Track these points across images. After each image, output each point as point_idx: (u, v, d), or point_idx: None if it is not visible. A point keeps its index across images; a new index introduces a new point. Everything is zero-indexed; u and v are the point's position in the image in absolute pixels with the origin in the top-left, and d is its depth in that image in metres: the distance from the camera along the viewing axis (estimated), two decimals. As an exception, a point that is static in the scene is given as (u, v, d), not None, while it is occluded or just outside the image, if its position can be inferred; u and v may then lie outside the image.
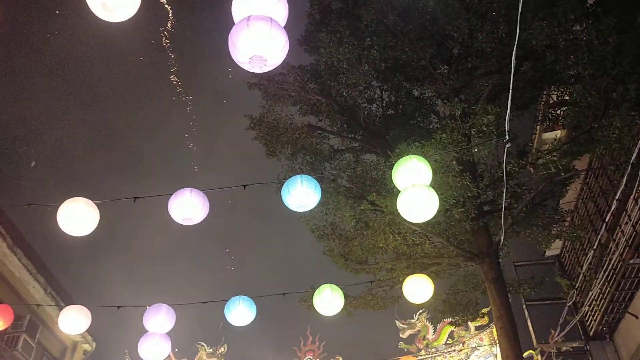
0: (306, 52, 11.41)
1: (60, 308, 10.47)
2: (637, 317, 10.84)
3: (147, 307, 8.70)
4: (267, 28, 4.61)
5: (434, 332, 19.92)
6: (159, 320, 8.47)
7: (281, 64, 11.30)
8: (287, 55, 4.97)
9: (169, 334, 8.74)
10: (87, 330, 12.79)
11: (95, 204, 7.12)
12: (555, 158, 9.01)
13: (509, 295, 10.16)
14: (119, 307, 9.47)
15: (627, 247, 9.87)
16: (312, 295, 8.76)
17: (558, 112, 10.27)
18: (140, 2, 4.82)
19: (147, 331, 8.63)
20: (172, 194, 6.97)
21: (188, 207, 6.86)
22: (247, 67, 4.85)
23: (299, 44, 11.40)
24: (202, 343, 22.39)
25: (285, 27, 4.84)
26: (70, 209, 6.93)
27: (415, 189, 6.27)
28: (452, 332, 19.64)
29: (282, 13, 4.91)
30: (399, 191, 6.54)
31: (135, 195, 7.47)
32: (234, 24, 4.77)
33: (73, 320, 9.20)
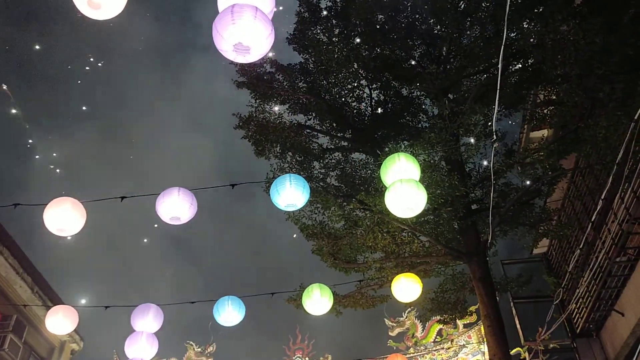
0: (295, 51, 11.40)
1: (48, 308, 10.41)
2: (623, 315, 10.93)
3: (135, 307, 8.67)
4: (251, 16, 4.57)
5: (423, 330, 19.98)
6: (147, 320, 8.44)
7: (270, 62, 11.37)
8: (275, 54, 4.95)
9: (157, 332, 8.71)
10: (74, 330, 12.69)
11: (82, 203, 7.08)
12: (542, 157, 9.07)
13: (496, 293, 10.23)
14: (106, 307, 9.42)
15: (614, 246, 9.94)
16: (301, 295, 8.76)
17: (545, 111, 10.31)
18: (127, -1, 4.77)
19: (135, 330, 8.60)
20: (159, 194, 6.94)
21: (176, 206, 6.83)
22: (231, 56, 4.75)
23: (288, 42, 11.37)
24: (191, 342, 22.31)
25: (273, 25, 4.79)
26: (56, 209, 6.88)
27: (402, 185, 6.29)
28: (440, 330, 19.71)
29: (268, 7, 4.88)
30: (387, 188, 6.56)
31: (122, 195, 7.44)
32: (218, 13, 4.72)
33: (60, 320, 9.15)
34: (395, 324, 20.39)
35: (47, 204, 6.96)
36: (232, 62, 9.65)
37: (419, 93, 11.32)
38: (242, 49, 4.67)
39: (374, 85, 11.50)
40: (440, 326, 19.43)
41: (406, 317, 20.32)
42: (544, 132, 11.95)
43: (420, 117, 11.55)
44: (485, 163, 10.32)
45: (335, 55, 10.05)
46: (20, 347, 14.15)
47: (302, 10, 11.21)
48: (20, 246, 14.88)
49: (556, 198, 12.73)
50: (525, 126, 11.98)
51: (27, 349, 14.89)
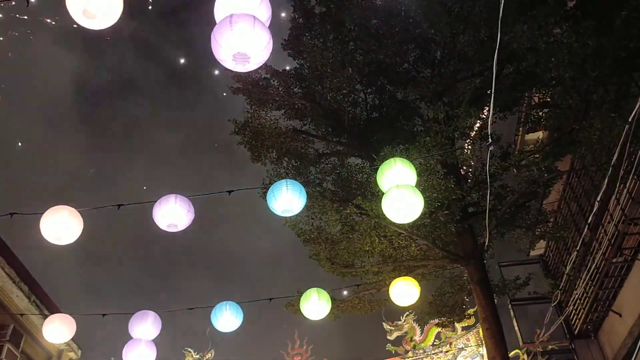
0: (290, 57, 11.41)
1: (45, 316, 10.37)
2: (620, 315, 10.97)
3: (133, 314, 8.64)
4: (250, 25, 4.60)
5: (421, 334, 19.97)
6: (145, 327, 8.41)
7: (265, 68, 11.40)
8: (271, 59, 4.95)
9: (154, 339, 8.69)
10: (72, 338, 12.64)
11: (79, 212, 7.07)
12: (537, 159, 9.10)
13: (494, 295, 10.24)
14: (104, 315, 9.38)
15: (610, 247, 9.98)
16: (299, 300, 8.76)
17: (540, 113, 10.36)
18: (122, 8, 4.78)
19: (133, 338, 8.56)
20: (156, 201, 6.92)
21: (173, 213, 6.82)
22: (230, 65, 4.78)
23: (283, 48, 11.39)
24: (189, 349, 22.24)
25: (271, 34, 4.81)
26: (53, 218, 6.87)
27: (399, 190, 6.30)
28: (439, 333, 19.72)
29: (264, 15, 4.91)
30: (384, 194, 6.57)
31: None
32: (215, 24, 4.75)
33: (57, 329, 9.11)
34: (393, 328, 20.39)
35: (43, 213, 6.94)
36: (228, 70, 9.65)
37: (413, 97, 11.34)
38: (242, 58, 4.70)
39: (369, 90, 11.53)
40: (439, 329, 19.43)
41: (404, 321, 20.31)
42: (539, 135, 12.00)
43: (416, 121, 11.57)
44: (481, 166, 10.34)
45: (330, 60, 10.07)
46: (17, 357, 14.08)
47: (297, 16, 11.23)
48: (16, 254, 14.83)
49: (552, 200, 12.79)
50: (520, 129, 12.03)
51: (24, 358, 14.81)
